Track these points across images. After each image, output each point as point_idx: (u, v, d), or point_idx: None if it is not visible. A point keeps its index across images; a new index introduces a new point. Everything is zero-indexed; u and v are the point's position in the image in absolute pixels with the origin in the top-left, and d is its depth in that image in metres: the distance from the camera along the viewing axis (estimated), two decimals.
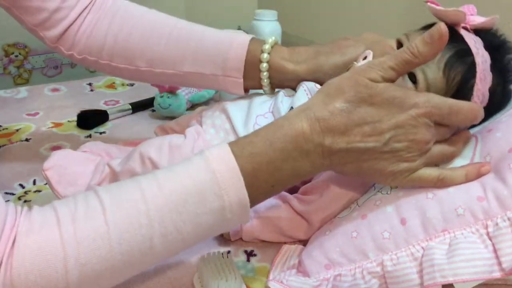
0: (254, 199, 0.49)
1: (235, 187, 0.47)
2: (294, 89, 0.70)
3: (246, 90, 0.72)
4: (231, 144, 0.49)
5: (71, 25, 0.72)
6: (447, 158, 0.55)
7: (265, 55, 0.68)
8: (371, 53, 0.63)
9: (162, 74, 0.72)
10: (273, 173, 0.49)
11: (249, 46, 0.68)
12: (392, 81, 0.50)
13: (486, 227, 0.50)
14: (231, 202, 0.47)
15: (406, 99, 0.49)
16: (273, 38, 0.70)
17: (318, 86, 0.66)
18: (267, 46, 0.68)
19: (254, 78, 0.70)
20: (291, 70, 0.68)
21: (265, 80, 0.69)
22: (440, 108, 0.50)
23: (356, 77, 0.50)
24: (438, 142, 0.53)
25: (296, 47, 0.71)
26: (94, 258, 0.43)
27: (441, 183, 0.53)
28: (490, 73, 0.62)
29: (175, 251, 0.48)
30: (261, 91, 0.73)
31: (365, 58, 0.63)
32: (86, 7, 0.72)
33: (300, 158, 0.49)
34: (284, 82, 0.70)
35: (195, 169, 0.47)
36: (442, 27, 0.49)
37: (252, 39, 0.70)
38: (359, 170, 0.52)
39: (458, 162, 0.57)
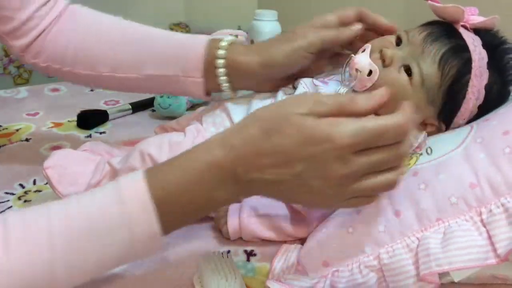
0: (168, 228, 0.47)
1: (146, 220, 0.45)
2: (254, 89, 0.71)
3: (208, 93, 0.71)
4: (146, 173, 0.47)
5: (40, 34, 0.71)
6: (388, 188, 0.48)
7: (221, 51, 0.67)
8: (370, 46, 0.64)
9: (125, 78, 0.70)
10: (189, 203, 0.47)
11: (208, 46, 0.68)
12: (319, 115, 0.45)
13: (480, 214, 0.51)
14: (141, 235, 0.46)
15: (321, 132, 0.44)
16: (232, 36, 0.70)
17: (316, 82, 0.67)
18: (223, 43, 0.67)
19: (213, 78, 0.68)
20: (244, 63, 0.67)
21: (222, 78, 0.67)
22: (359, 136, 0.44)
23: (279, 109, 0.47)
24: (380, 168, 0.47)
25: (255, 43, 0.72)
26: None
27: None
28: (487, 71, 0.63)
29: (79, 281, 0.46)
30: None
31: (363, 50, 0.64)
32: (56, 17, 0.71)
33: (217, 187, 0.47)
34: (242, 79, 0.68)
35: (106, 200, 0.46)
36: (385, 92, 0.48)
37: (212, 39, 0.69)
38: (284, 198, 0.51)
39: (448, 147, 0.58)
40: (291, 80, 0.70)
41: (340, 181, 0.45)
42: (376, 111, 0.47)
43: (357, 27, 0.66)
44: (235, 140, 0.46)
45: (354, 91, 0.66)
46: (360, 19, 0.67)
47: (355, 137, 0.44)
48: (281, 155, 0.45)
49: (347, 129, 0.44)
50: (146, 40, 0.71)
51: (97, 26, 0.72)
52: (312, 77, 0.70)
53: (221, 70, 0.67)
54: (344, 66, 0.67)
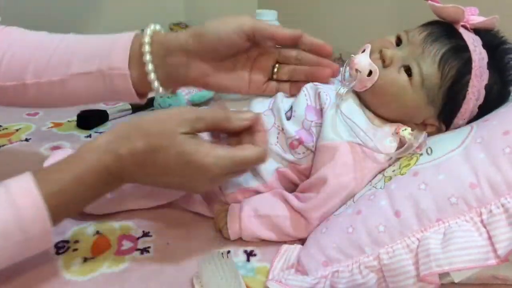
0: (55, 221, 0.51)
1: (38, 219, 0.49)
2: (184, 75, 0.65)
3: (140, 94, 0.67)
4: (36, 173, 0.51)
5: None
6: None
7: (147, 38, 0.64)
8: (369, 46, 0.64)
9: (48, 84, 0.66)
10: (76, 202, 0.54)
11: (135, 36, 0.65)
12: (198, 131, 0.55)
13: (480, 214, 0.51)
14: (35, 235, 0.49)
15: (198, 161, 0.53)
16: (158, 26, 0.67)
17: (319, 85, 0.66)
18: (150, 29, 0.65)
19: (141, 68, 0.64)
20: (173, 37, 0.65)
21: (149, 65, 0.63)
22: (228, 167, 0.54)
23: (165, 126, 0.54)
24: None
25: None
26: None
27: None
28: (487, 71, 0.63)
29: None
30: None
31: (363, 51, 0.64)
32: None
33: (103, 188, 0.54)
34: (171, 57, 0.64)
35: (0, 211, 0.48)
36: (253, 116, 0.58)
37: (139, 34, 0.66)
38: (159, 186, 0.61)
39: (448, 147, 0.58)
40: (226, 65, 0.66)
41: (206, 187, 0.59)
42: (247, 129, 0.57)
43: (296, 32, 0.65)
44: (123, 150, 0.53)
45: (354, 91, 0.66)
46: (296, 41, 0.66)
47: (224, 168, 0.54)
48: (162, 169, 0.54)
49: (219, 161, 0.53)
50: (73, 41, 0.68)
51: (22, 38, 0.69)
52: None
53: (148, 56, 0.63)
54: (344, 66, 0.67)
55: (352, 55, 0.65)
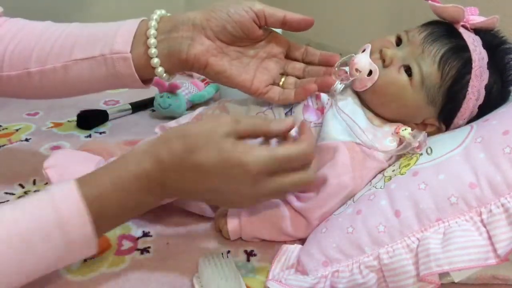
0: (100, 230, 0.50)
1: (80, 223, 0.48)
2: (187, 55, 0.62)
3: (145, 80, 0.66)
4: (78, 181, 0.50)
5: None
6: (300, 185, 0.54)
7: (158, 11, 0.64)
8: (370, 46, 0.64)
9: (52, 71, 0.65)
10: (119, 209, 0.51)
11: (142, 20, 0.64)
12: (237, 134, 0.51)
13: (480, 214, 0.51)
14: (75, 237, 0.48)
15: (236, 158, 0.49)
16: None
17: None
18: (158, 12, 0.64)
19: (143, 49, 0.62)
20: (180, 15, 0.63)
21: (152, 31, 0.62)
22: (268, 164, 0.50)
23: (203, 127, 0.51)
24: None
25: None
26: None
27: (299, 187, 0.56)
28: (487, 71, 0.63)
29: (15, 285, 0.48)
30: None
31: (363, 50, 0.64)
32: None
33: (145, 194, 0.51)
34: (173, 33, 0.62)
35: (40, 207, 0.48)
36: (292, 121, 0.55)
37: (146, 18, 0.65)
38: (203, 200, 0.59)
39: (448, 147, 0.58)
40: (232, 52, 0.64)
41: (252, 195, 0.52)
42: (285, 134, 0.54)
43: (308, 18, 0.63)
44: (162, 153, 0.51)
45: (354, 91, 0.66)
46: (307, 26, 0.64)
47: (265, 166, 0.50)
48: (201, 172, 0.50)
49: (259, 158, 0.49)
50: (77, 27, 0.67)
51: (26, 28, 0.68)
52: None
53: (152, 30, 0.62)
54: (338, 63, 0.65)
55: (353, 54, 0.65)
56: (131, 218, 0.56)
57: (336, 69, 0.65)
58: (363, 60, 0.63)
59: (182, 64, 0.63)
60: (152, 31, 0.62)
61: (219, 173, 0.50)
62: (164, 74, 0.64)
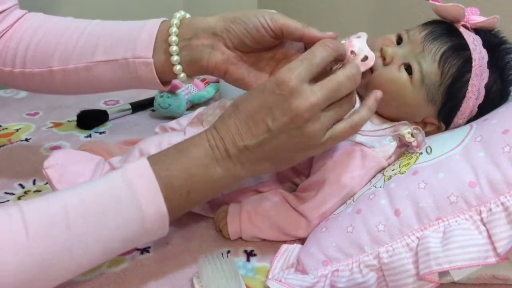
0: (173, 208, 0.51)
1: (152, 197, 0.49)
2: (208, 63, 0.62)
3: (165, 82, 0.66)
4: (150, 158, 0.52)
5: None
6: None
7: (178, 15, 0.64)
8: (365, 34, 0.61)
9: (74, 70, 0.66)
10: (188, 179, 0.52)
11: (162, 22, 0.65)
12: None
13: (480, 213, 0.51)
14: (150, 213, 0.49)
15: (278, 77, 0.51)
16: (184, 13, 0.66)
17: None
18: (181, 13, 0.65)
19: (165, 54, 0.63)
20: (202, 20, 0.64)
21: (174, 38, 0.62)
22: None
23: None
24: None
25: None
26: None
27: (356, 128, 0.55)
28: (487, 70, 0.63)
29: (95, 261, 0.50)
30: None
31: (358, 37, 0.61)
32: (9, 26, 0.69)
33: (212, 164, 0.53)
34: (194, 40, 0.63)
35: (113, 184, 0.50)
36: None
37: (166, 20, 0.65)
38: (274, 161, 0.55)
39: (448, 146, 0.58)
40: (250, 58, 0.64)
41: (312, 133, 0.52)
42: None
43: (331, 33, 0.60)
44: (216, 123, 0.54)
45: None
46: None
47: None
48: (255, 113, 0.52)
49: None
50: (99, 27, 0.67)
51: (48, 24, 0.69)
52: None
53: (174, 37, 0.62)
54: None
55: (351, 36, 0.61)
56: (202, 196, 0.56)
57: None
58: (360, 45, 0.59)
59: (202, 71, 0.65)
60: (174, 38, 0.62)
61: (272, 104, 0.51)
62: (182, 74, 0.65)
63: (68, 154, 0.69)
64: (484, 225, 0.50)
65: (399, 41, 0.65)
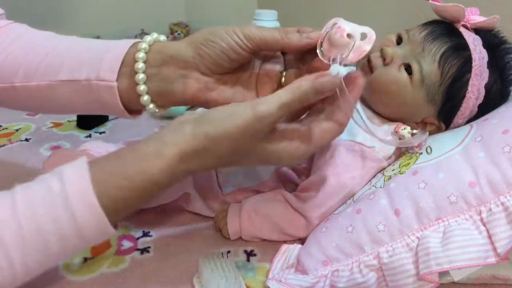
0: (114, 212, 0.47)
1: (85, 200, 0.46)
2: (179, 92, 0.56)
3: (131, 111, 0.60)
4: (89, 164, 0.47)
5: None
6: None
7: (149, 38, 0.57)
8: (341, 19, 0.54)
9: (37, 88, 0.61)
10: (127, 174, 0.47)
11: (132, 45, 0.58)
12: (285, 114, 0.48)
13: (480, 213, 0.51)
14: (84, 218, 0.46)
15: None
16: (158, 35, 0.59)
17: None
18: (152, 36, 0.58)
19: (131, 79, 0.57)
20: (172, 45, 0.57)
21: (140, 64, 0.56)
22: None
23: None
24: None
25: None
26: None
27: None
28: (487, 70, 0.63)
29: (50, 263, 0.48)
30: None
31: (334, 24, 0.52)
32: None
33: (152, 154, 0.47)
34: (164, 68, 0.56)
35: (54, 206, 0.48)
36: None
37: (138, 41, 0.59)
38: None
39: (448, 146, 0.58)
40: (229, 78, 0.58)
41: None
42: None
43: (312, 34, 0.54)
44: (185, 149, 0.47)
45: (346, 65, 0.50)
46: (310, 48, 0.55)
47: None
48: (213, 118, 0.48)
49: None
50: (69, 44, 0.63)
51: (23, 38, 0.65)
52: None
53: (140, 64, 0.56)
54: (319, 42, 0.52)
55: (335, 22, 0.52)
56: (150, 192, 0.48)
57: (320, 51, 0.52)
58: (350, 26, 0.51)
59: (178, 103, 0.59)
60: (140, 64, 0.56)
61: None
62: (157, 110, 0.59)
63: (68, 154, 0.69)
64: (484, 225, 0.50)
65: (399, 41, 0.65)
